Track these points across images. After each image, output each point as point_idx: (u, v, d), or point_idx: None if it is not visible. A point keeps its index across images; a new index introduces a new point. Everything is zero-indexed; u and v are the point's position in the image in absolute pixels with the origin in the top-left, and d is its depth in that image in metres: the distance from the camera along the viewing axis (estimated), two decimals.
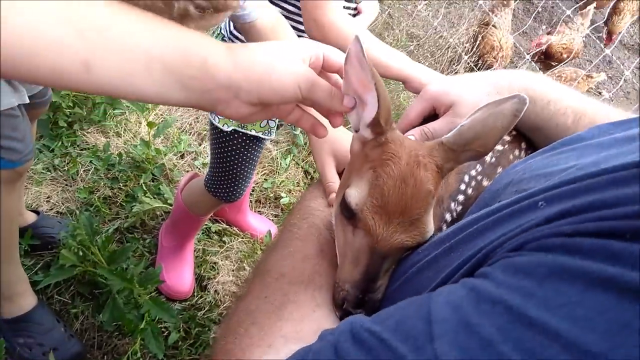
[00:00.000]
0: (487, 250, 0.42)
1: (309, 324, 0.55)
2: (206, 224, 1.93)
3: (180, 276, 1.72)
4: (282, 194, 2.14)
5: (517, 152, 0.76)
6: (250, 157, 1.43)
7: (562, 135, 0.66)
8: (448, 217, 0.69)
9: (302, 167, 2.30)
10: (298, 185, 2.22)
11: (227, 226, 1.95)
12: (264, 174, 2.18)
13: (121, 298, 1.45)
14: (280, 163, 2.25)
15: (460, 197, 0.70)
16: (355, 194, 0.54)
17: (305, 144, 2.35)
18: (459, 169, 0.69)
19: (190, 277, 1.75)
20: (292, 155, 2.30)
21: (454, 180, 0.71)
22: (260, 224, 2.00)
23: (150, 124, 1.86)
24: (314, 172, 2.29)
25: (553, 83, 0.77)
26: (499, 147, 0.74)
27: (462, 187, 0.71)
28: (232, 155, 1.41)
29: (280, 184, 2.17)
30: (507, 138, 0.76)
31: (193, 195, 1.64)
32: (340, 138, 0.82)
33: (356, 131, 0.61)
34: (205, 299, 1.71)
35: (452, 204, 0.70)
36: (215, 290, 1.74)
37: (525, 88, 0.73)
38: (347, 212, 0.55)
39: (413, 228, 0.53)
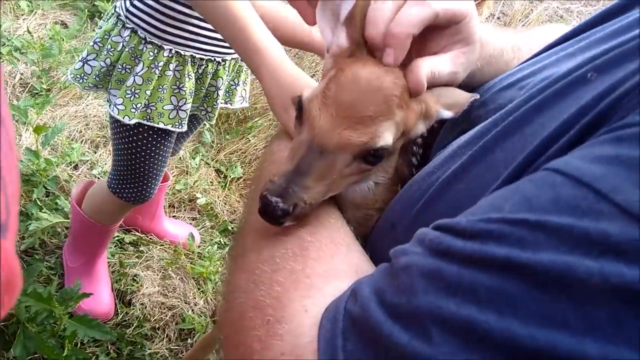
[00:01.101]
0: (551, 135, 0.40)
1: (342, 261, 0.50)
2: (117, 236, 1.73)
3: (96, 297, 1.52)
4: (198, 195, 2.01)
5: None
6: (158, 152, 1.29)
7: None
8: (414, 160, 0.69)
9: (212, 167, 2.19)
10: (212, 184, 2.11)
11: (143, 235, 1.77)
12: (174, 176, 2.03)
13: (33, 326, 1.23)
14: (190, 163, 2.11)
15: (419, 141, 0.68)
16: (310, 91, 0.51)
17: (213, 141, 2.24)
18: None
19: (108, 295, 1.56)
20: (200, 154, 2.18)
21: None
22: (179, 228, 1.85)
23: (37, 129, 1.62)
24: (226, 170, 2.18)
25: (490, 32, 0.71)
26: None
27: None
28: (138, 152, 1.27)
29: (194, 184, 2.03)
30: None
31: (96, 203, 1.45)
32: (294, 88, 0.74)
33: (328, 51, 0.55)
34: (133, 314, 1.53)
35: (414, 147, 0.70)
36: (142, 304, 1.57)
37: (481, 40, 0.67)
38: (299, 111, 0.51)
39: (361, 127, 0.47)
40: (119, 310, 1.54)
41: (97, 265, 1.57)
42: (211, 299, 1.67)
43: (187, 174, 2.08)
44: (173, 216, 1.94)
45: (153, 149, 1.27)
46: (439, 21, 0.51)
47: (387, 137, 0.48)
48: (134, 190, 1.34)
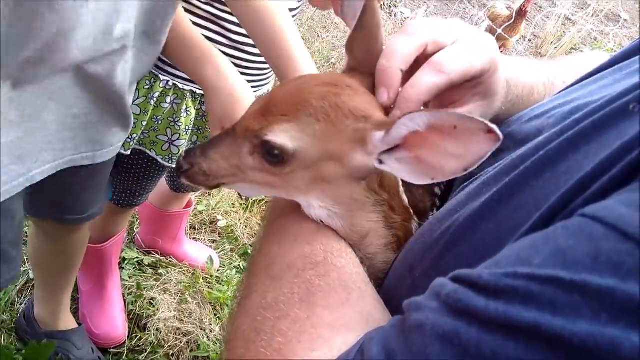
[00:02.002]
0: (589, 174, 0.35)
1: (352, 309, 0.45)
2: (136, 257, 1.71)
3: (109, 320, 1.50)
4: (219, 217, 1.98)
5: None
6: (151, 177, 1.29)
7: None
8: (437, 190, 0.63)
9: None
10: (234, 207, 2.08)
11: (162, 257, 1.74)
12: (196, 197, 2.01)
13: None
14: None
15: None
16: None
17: None
18: None
19: (121, 318, 1.53)
20: None
21: None
22: (199, 251, 1.82)
23: None
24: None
25: (521, 66, 0.67)
26: None
27: None
28: (131, 175, 1.27)
29: (215, 206, 2.01)
30: None
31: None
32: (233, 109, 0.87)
33: None
34: (147, 339, 1.49)
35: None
36: (157, 329, 1.53)
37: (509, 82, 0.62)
38: None
39: (263, 119, 0.50)
40: (133, 334, 1.51)
41: (108, 288, 1.54)
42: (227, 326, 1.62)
43: (209, 195, 2.06)
44: (193, 238, 1.92)
45: (146, 173, 1.26)
46: (456, 82, 0.50)
47: (280, 135, 0.48)
48: (122, 196, 1.34)
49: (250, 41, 1.06)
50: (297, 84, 0.52)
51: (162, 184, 1.55)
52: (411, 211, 0.57)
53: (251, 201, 2.11)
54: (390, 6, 3.87)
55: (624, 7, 4.80)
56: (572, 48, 4.02)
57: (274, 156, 0.49)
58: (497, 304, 0.30)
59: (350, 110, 0.48)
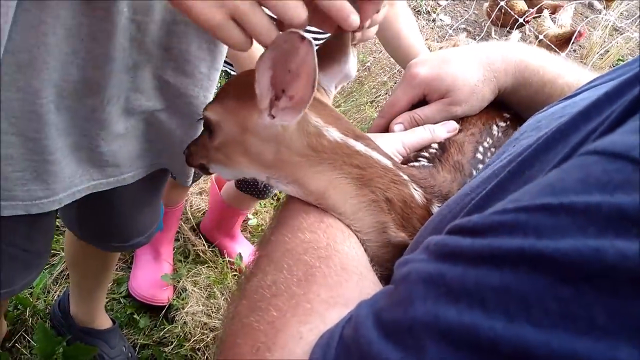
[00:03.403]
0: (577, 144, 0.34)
1: (350, 289, 0.44)
2: (185, 244, 1.76)
3: (156, 283, 1.58)
4: (249, 216, 1.99)
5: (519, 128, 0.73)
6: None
7: None
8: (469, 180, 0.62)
9: None
10: (265, 207, 2.09)
11: (206, 246, 1.77)
12: None
13: None
14: None
15: (481, 167, 0.65)
16: None
17: None
18: (475, 138, 0.68)
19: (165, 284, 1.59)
20: None
21: (469, 149, 0.67)
22: (249, 253, 1.83)
23: None
24: (280, 192, 2.16)
25: (547, 56, 0.73)
26: (502, 124, 0.72)
27: (480, 156, 0.67)
28: None
29: None
30: (508, 115, 0.73)
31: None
32: None
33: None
34: (174, 331, 1.51)
35: (474, 172, 0.65)
36: (185, 322, 1.54)
37: (519, 65, 0.70)
38: None
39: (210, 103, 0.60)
40: (161, 325, 1.53)
41: (162, 255, 1.66)
42: None
43: None
44: None
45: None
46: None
47: (209, 111, 0.57)
48: None
49: None
50: (234, 76, 0.63)
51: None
52: (403, 176, 0.56)
53: (282, 201, 2.11)
54: (430, 13, 3.84)
55: None
56: (619, 59, 3.87)
57: (208, 129, 0.58)
58: (483, 239, 0.28)
59: (251, 82, 0.51)
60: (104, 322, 1.45)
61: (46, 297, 1.54)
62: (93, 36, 0.62)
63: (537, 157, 0.38)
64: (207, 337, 1.53)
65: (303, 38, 0.44)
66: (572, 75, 0.70)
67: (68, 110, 0.68)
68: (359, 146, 0.55)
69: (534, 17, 3.50)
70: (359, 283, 0.45)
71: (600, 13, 4.51)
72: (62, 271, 1.61)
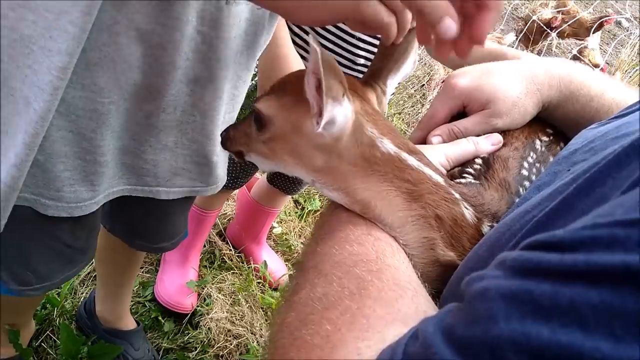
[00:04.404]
0: None
1: (406, 305, 0.42)
2: (211, 249, 1.76)
3: (181, 289, 1.57)
4: (274, 225, 1.98)
5: (562, 144, 0.72)
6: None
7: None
8: (517, 199, 0.62)
9: (292, 197, 2.17)
10: (289, 215, 2.08)
11: (232, 252, 1.77)
12: None
13: None
14: None
15: (527, 184, 0.64)
16: None
17: None
18: (519, 153, 0.67)
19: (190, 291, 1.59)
20: None
21: (514, 165, 0.66)
22: (274, 262, 1.83)
23: None
24: (305, 201, 2.15)
25: (591, 73, 0.72)
26: (545, 138, 0.71)
27: (525, 173, 0.65)
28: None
29: None
30: (550, 130, 0.72)
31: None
32: None
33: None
34: (198, 337, 1.50)
35: (521, 190, 0.63)
36: (209, 328, 1.53)
37: (564, 79, 0.68)
38: None
39: (261, 96, 0.59)
40: (185, 331, 1.52)
41: (190, 260, 1.65)
42: None
43: None
44: None
45: None
46: None
47: (262, 104, 0.56)
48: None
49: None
50: (294, 71, 0.61)
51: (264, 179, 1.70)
52: (454, 194, 0.55)
53: (306, 210, 2.11)
54: None
55: None
56: None
57: (259, 122, 0.56)
58: (574, 255, 0.26)
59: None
60: (129, 323, 1.45)
61: (73, 297, 1.55)
62: (162, 45, 0.63)
63: (609, 174, 0.36)
64: (231, 344, 1.52)
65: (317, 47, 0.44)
66: (618, 92, 0.69)
67: (125, 113, 0.69)
68: (411, 160, 0.54)
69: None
70: (414, 299, 0.43)
71: (627, 31, 4.45)
72: (88, 273, 1.62)
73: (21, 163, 0.62)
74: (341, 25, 1.14)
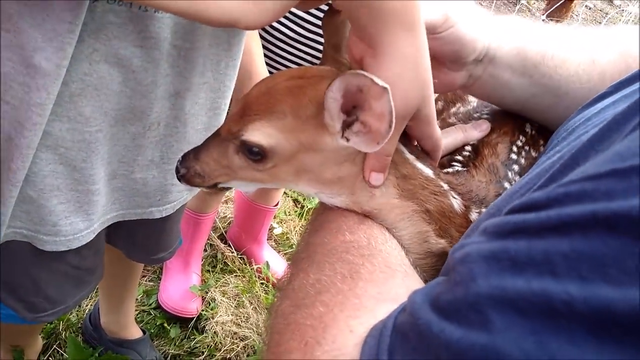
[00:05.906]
0: None
1: (397, 285, 0.43)
2: (213, 253, 1.77)
3: (185, 294, 1.57)
4: (274, 225, 1.99)
5: None
6: None
7: (581, 100, 0.59)
8: (507, 185, 0.63)
9: (290, 196, 2.17)
10: (289, 215, 2.08)
11: (233, 254, 1.78)
12: None
13: None
14: None
15: (516, 167, 0.65)
16: None
17: None
18: (508, 136, 0.66)
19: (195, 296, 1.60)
20: None
21: (503, 149, 0.66)
22: (276, 261, 1.84)
23: None
24: (304, 200, 2.16)
25: (546, 33, 0.67)
26: (535, 124, 0.70)
27: (514, 156, 0.66)
28: None
29: None
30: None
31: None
32: None
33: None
34: (204, 341, 1.50)
35: (509, 173, 0.64)
36: (215, 332, 1.54)
37: (518, 54, 0.63)
38: None
39: (241, 120, 0.52)
40: (191, 336, 1.53)
41: (191, 265, 1.64)
42: None
43: None
44: None
45: None
46: None
47: (255, 134, 0.50)
48: None
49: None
50: (267, 82, 0.53)
51: None
52: (443, 185, 0.55)
53: (306, 209, 2.11)
54: None
55: None
56: None
57: (255, 154, 0.51)
58: (549, 211, 0.27)
59: (310, 100, 0.49)
60: (134, 332, 1.45)
61: (78, 310, 1.55)
62: (143, 66, 0.63)
63: (592, 148, 0.37)
64: (238, 346, 1.52)
65: (384, 88, 0.42)
66: (580, 48, 0.65)
67: (113, 138, 0.69)
68: (407, 154, 0.55)
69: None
70: (405, 280, 0.44)
71: (619, 8, 4.44)
72: None
73: (5, 200, 0.62)
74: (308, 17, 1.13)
